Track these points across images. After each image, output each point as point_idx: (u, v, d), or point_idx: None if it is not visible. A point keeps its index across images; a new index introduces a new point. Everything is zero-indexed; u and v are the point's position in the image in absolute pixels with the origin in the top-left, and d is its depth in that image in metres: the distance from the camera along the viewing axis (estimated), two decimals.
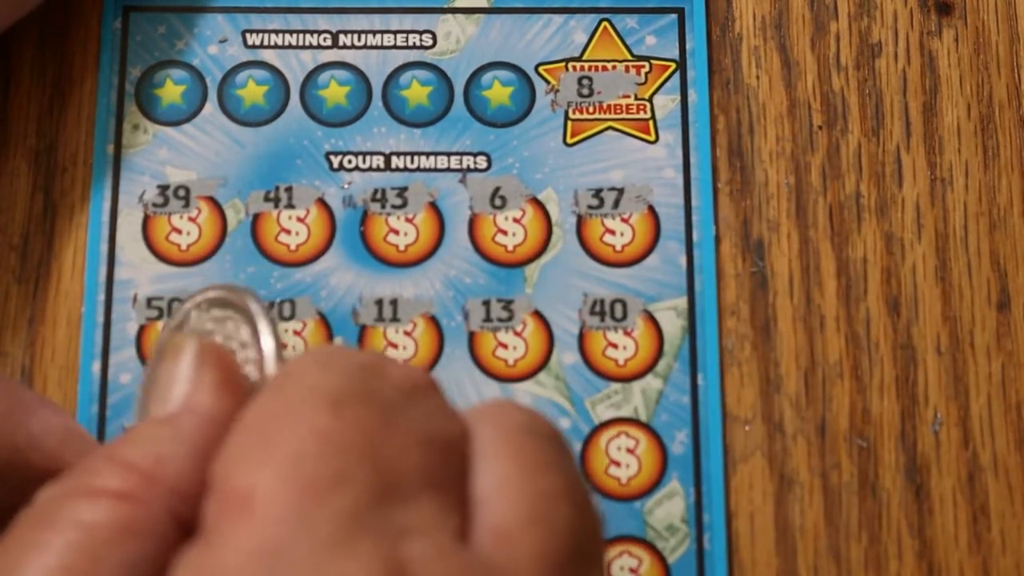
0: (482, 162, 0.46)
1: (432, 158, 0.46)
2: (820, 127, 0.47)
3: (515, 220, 0.46)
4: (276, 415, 0.30)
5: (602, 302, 0.45)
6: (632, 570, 0.43)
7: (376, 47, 0.48)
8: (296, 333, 0.45)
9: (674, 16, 0.48)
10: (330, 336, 0.44)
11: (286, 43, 0.47)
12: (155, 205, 0.46)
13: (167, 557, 0.30)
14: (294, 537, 0.29)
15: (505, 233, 0.46)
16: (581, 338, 0.45)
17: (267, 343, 0.34)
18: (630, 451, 0.44)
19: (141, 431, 0.33)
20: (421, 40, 0.48)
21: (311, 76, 0.47)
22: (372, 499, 0.29)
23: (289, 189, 0.46)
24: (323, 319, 0.45)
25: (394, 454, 0.30)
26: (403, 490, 0.30)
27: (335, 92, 0.47)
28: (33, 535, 0.31)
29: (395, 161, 0.46)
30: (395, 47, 0.48)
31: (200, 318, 0.36)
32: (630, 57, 0.47)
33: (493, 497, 0.31)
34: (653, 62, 0.47)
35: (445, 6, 0.48)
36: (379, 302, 0.45)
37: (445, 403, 0.32)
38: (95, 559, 0.30)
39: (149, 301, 0.45)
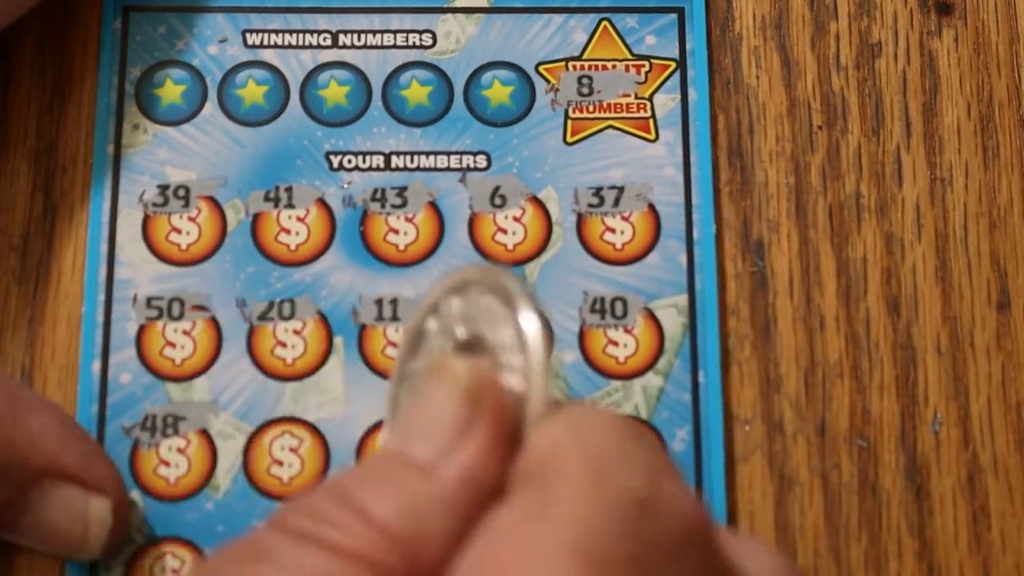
0: (482, 161, 0.46)
1: (432, 157, 0.46)
2: (820, 127, 0.47)
3: (515, 219, 0.46)
4: (523, 558, 0.26)
5: (602, 300, 0.45)
6: None
7: (376, 47, 0.48)
8: (296, 332, 0.45)
9: (674, 16, 0.48)
10: (329, 336, 0.44)
11: (286, 43, 0.48)
12: (155, 205, 0.46)
13: None
14: None
15: (505, 232, 0.46)
16: (581, 336, 0.45)
17: (538, 376, 0.29)
18: None
19: (391, 477, 0.28)
20: (421, 40, 0.48)
21: (311, 76, 0.47)
22: None
23: (289, 189, 0.46)
24: (323, 319, 0.45)
25: None
26: None
27: (335, 92, 0.47)
28: (258, 571, 0.27)
29: (395, 161, 0.46)
30: (395, 47, 0.48)
31: (476, 300, 0.31)
32: (630, 56, 0.47)
33: None
34: (653, 61, 0.47)
35: (445, 6, 0.48)
36: (379, 302, 0.45)
37: (716, 555, 0.28)
38: None
39: (149, 301, 0.45)
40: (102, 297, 0.45)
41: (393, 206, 0.46)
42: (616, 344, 0.45)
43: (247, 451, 0.44)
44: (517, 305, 0.31)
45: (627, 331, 0.45)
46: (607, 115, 0.47)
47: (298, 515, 0.28)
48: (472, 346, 0.31)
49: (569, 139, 0.46)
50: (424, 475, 0.28)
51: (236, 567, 0.27)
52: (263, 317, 0.45)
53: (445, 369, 0.30)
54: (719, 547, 0.28)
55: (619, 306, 0.45)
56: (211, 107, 0.47)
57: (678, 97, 0.47)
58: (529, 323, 0.30)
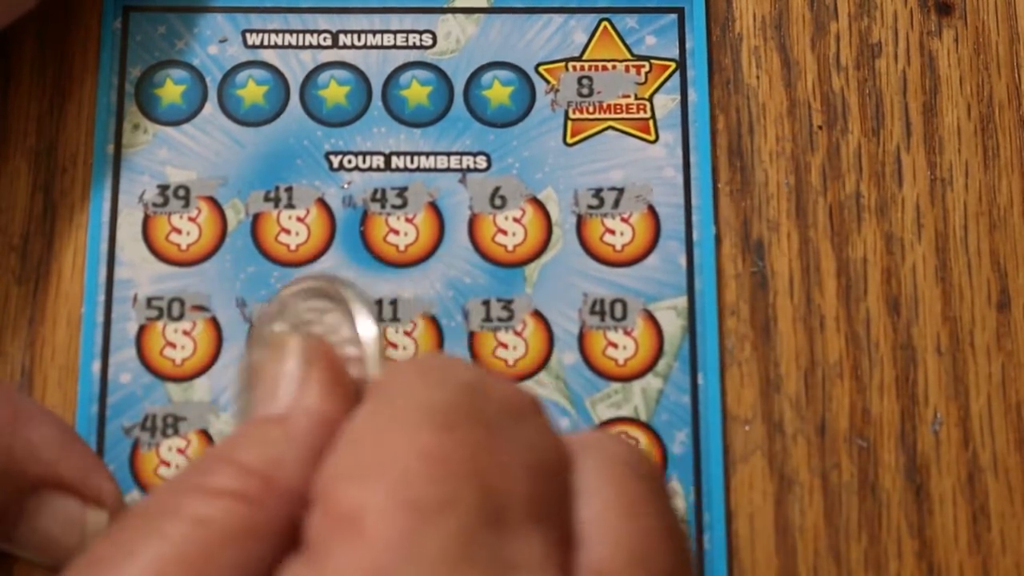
0: (482, 162, 0.46)
1: (432, 158, 0.46)
2: (820, 127, 0.47)
3: (515, 220, 0.46)
4: (383, 430, 0.30)
5: (602, 302, 0.45)
6: None
7: (376, 47, 0.48)
8: None
9: (674, 16, 0.48)
10: None
11: (286, 43, 0.48)
12: (155, 205, 0.46)
13: (275, 563, 0.30)
14: (403, 563, 0.28)
15: (505, 233, 0.46)
16: (581, 338, 0.45)
17: (369, 340, 0.33)
18: None
19: (253, 432, 0.32)
20: (421, 40, 0.48)
21: (311, 76, 0.47)
22: (480, 527, 0.29)
23: (289, 189, 0.46)
24: None
25: (501, 479, 0.30)
26: (510, 519, 0.29)
27: (335, 92, 0.47)
28: (149, 523, 0.31)
29: (395, 161, 0.46)
30: (395, 47, 0.48)
31: (298, 308, 0.35)
32: (630, 57, 0.47)
33: (595, 535, 0.31)
34: (653, 62, 0.47)
35: (445, 6, 0.48)
36: (379, 302, 0.45)
37: (549, 427, 0.32)
38: (209, 555, 0.30)
39: (149, 301, 0.45)
40: (102, 297, 0.45)
41: (393, 206, 0.46)
42: (616, 346, 0.45)
43: None
44: (337, 292, 0.34)
45: (627, 333, 0.45)
46: (607, 116, 0.47)
47: (179, 473, 0.32)
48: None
49: (569, 140, 0.46)
50: (276, 424, 0.32)
51: (119, 528, 0.31)
52: None
53: (280, 344, 0.34)
54: (548, 421, 0.32)
55: (619, 308, 0.45)
56: (211, 107, 0.47)
57: (678, 97, 0.47)
58: (352, 296, 0.34)
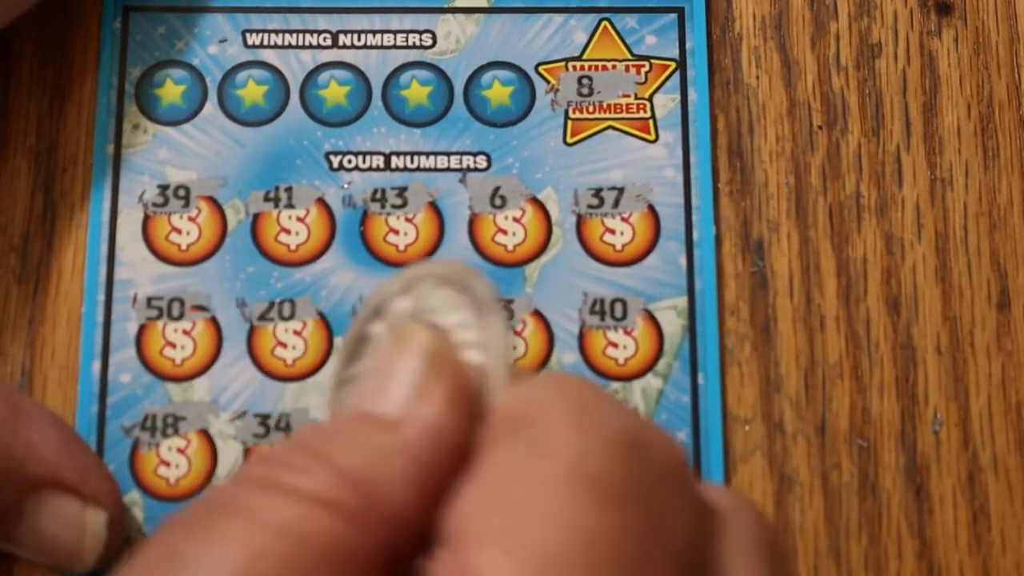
0: (482, 162, 0.46)
1: (432, 158, 0.46)
2: (820, 127, 0.47)
3: (515, 220, 0.46)
4: (533, 487, 0.27)
5: (602, 301, 0.45)
6: None
7: (376, 47, 0.48)
8: (296, 333, 0.45)
9: (674, 16, 0.48)
10: (329, 336, 0.44)
11: (286, 43, 0.48)
12: (155, 205, 0.46)
13: None
14: None
15: (505, 233, 0.46)
16: (581, 337, 0.45)
17: (498, 350, 0.30)
18: None
19: (356, 429, 0.29)
20: (421, 40, 0.48)
21: (311, 76, 0.47)
22: None
23: (289, 189, 0.46)
24: (323, 319, 0.45)
25: (649, 567, 0.27)
26: None
27: (335, 92, 0.47)
28: (224, 523, 0.27)
29: (395, 161, 0.46)
30: (395, 47, 0.48)
31: (425, 291, 0.32)
32: (630, 57, 0.47)
33: None
34: (653, 61, 0.47)
35: (445, 6, 0.48)
36: None
37: (696, 490, 0.29)
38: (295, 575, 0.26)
39: (149, 301, 0.45)
40: (102, 297, 0.45)
41: (393, 206, 0.46)
42: (616, 346, 0.45)
43: (247, 451, 0.44)
44: (470, 286, 0.31)
45: (627, 333, 0.45)
46: (607, 115, 0.47)
47: (261, 465, 0.28)
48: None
49: (569, 140, 0.46)
50: (385, 428, 0.29)
51: (200, 519, 0.27)
52: (263, 317, 0.45)
53: (407, 334, 0.30)
54: (696, 484, 0.30)
55: (619, 307, 0.45)
56: (211, 107, 0.47)
57: (678, 97, 0.47)
58: (485, 295, 0.31)
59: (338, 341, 0.45)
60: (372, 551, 0.27)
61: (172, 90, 0.47)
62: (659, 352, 0.45)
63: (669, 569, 0.27)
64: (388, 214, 0.46)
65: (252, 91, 0.47)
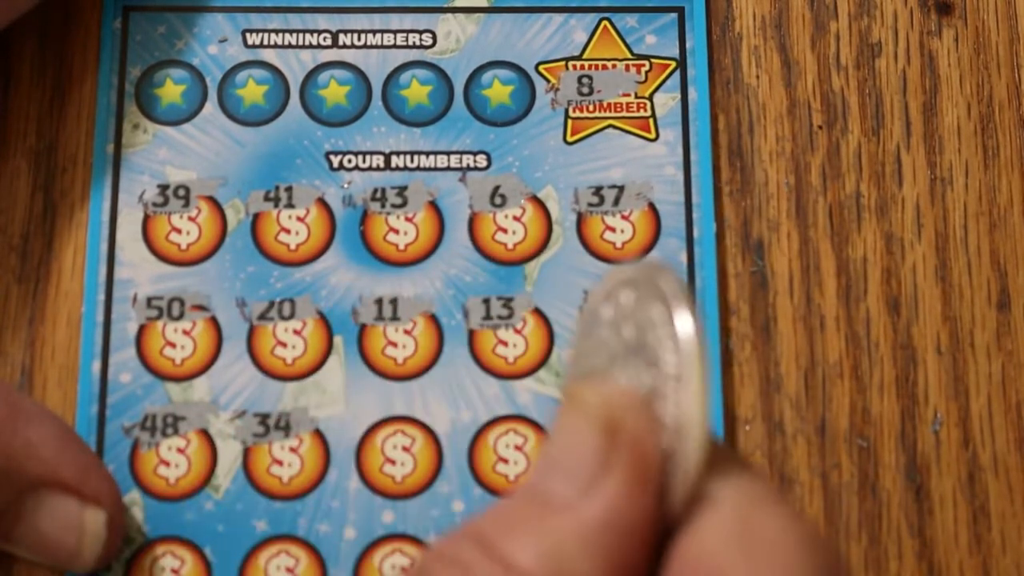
0: (482, 161, 0.46)
1: (432, 157, 0.46)
2: (820, 127, 0.47)
3: (515, 218, 0.46)
4: None
5: None
6: None
7: (376, 46, 0.48)
8: (296, 332, 0.45)
9: (674, 15, 0.48)
10: (329, 336, 0.44)
11: (286, 43, 0.48)
12: (155, 205, 0.46)
13: None
14: None
15: (505, 231, 0.46)
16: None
17: (693, 417, 0.27)
18: None
19: (536, 517, 0.27)
20: (421, 39, 0.48)
21: (311, 76, 0.47)
22: None
23: (289, 189, 0.46)
24: (323, 318, 0.45)
25: None
26: None
27: (335, 92, 0.47)
28: None
29: (395, 160, 0.46)
30: (395, 46, 0.48)
31: (641, 301, 0.29)
32: (630, 56, 0.47)
33: None
34: (653, 61, 0.47)
35: (445, 5, 0.48)
36: (379, 301, 0.45)
37: None
38: None
39: (149, 301, 0.45)
40: (102, 297, 0.45)
41: (393, 206, 0.46)
42: None
43: (247, 451, 0.44)
44: (675, 326, 0.28)
45: None
46: (607, 115, 0.47)
47: (444, 565, 0.27)
48: (637, 351, 0.30)
49: (569, 138, 0.46)
50: (561, 514, 0.27)
51: None
52: (263, 317, 0.45)
53: (574, 398, 0.29)
54: None
55: None
56: (211, 107, 0.47)
57: (678, 97, 0.47)
58: (688, 345, 0.28)
59: (338, 341, 0.44)
60: None
61: (172, 90, 0.47)
62: None
63: None
64: (388, 213, 0.46)
65: (252, 91, 0.47)
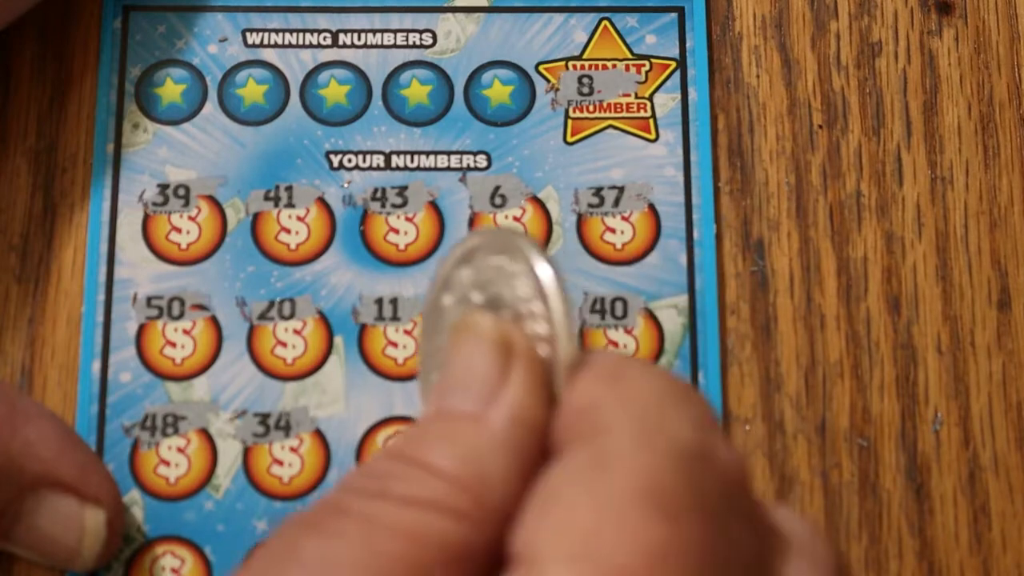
0: (482, 161, 0.46)
1: (432, 157, 0.46)
2: (820, 126, 0.47)
3: (515, 219, 0.46)
4: (601, 509, 0.27)
5: (602, 300, 0.45)
6: None
7: (376, 46, 0.48)
8: (296, 332, 0.45)
9: (674, 15, 0.48)
10: (329, 336, 0.44)
11: (286, 42, 0.47)
12: (155, 204, 0.46)
13: None
14: None
15: None
16: (581, 336, 0.45)
17: (560, 323, 0.30)
18: None
19: (448, 430, 0.29)
20: (421, 39, 0.48)
21: (311, 75, 0.47)
22: None
23: (289, 188, 0.46)
24: (323, 318, 0.45)
25: None
26: None
27: (335, 91, 0.47)
28: (343, 525, 0.28)
29: (395, 160, 0.46)
30: (395, 46, 0.48)
31: (486, 263, 0.32)
32: (630, 56, 0.47)
33: None
34: (653, 61, 0.47)
35: (445, 5, 0.48)
36: (379, 301, 0.45)
37: (760, 508, 0.29)
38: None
39: (149, 300, 0.45)
40: (102, 297, 0.45)
41: (393, 206, 0.46)
42: (616, 344, 0.45)
43: (247, 451, 0.44)
44: (528, 256, 0.31)
45: (627, 331, 0.45)
46: (607, 115, 0.47)
47: (364, 478, 0.29)
48: (491, 307, 0.32)
49: (569, 139, 0.46)
50: (472, 424, 0.29)
51: (319, 520, 0.28)
52: (263, 316, 0.45)
53: (470, 325, 0.31)
54: (758, 500, 0.30)
55: (619, 306, 0.45)
56: (211, 106, 0.47)
57: (678, 97, 0.47)
58: (543, 269, 0.31)
59: (338, 341, 0.45)
60: (483, 547, 0.28)
61: (172, 89, 0.47)
62: (660, 351, 0.45)
63: None
64: (388, 213, 0.46)
65: (252, 90, 0.47)
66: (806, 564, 0.29)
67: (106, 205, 0.46)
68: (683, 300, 0.45)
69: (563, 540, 0.27)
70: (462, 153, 0.46)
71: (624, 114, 0.47)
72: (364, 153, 0.46)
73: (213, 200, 0.46)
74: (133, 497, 0.43)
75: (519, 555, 0.27)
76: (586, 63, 0.47)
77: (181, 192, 0.46)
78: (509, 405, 0.29)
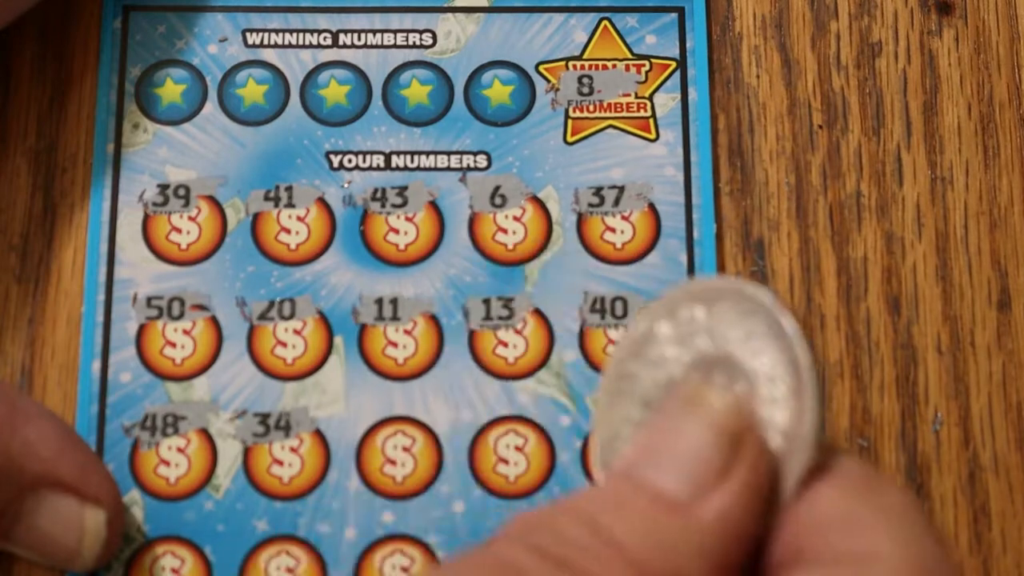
0: (482, 161, 0.46)
1: (432, 157, 0.46)
2: (820, 126, 0.47)
3: (515, 219, 0.46)
4: None
5: (603, 300, 0.45)
6: None
7: (376, 46, 0.48)
8: (296, 332, 0.45)
9: (674, 15, 0.48)
10: (329, 336, 0.44)
11: (286, 42, 0.47)
12: (155, 204, 0.46)
13: None
14: None
15: (505, 232, 0.46)
16: (582, 336, 0.45)
17: (809, 416, 0.27)
18: None
19: (646, 509, 0.27)
20: (421, 39, 0.48)
21: (311, 75, 0.47)
22: None
23: (289, 188, 0.46)
24: (323, 318, 0.45)
25: None
26: None
27: (335, 91, 0.47)
28: None
29: (395, 160, 0.46)
30: (395, 46, 0.48)
31: (723, 325, 0.29)
32: (630, 56, 0.47)
33: None
34: (653, 61, 0.47)
35: (445, 5, 0.48)
36: (379, 301, 0.45)
37: None
38: None
39: (149, 300, 0.45)
40: (102, 297, 0.45)
41: (393, 206, 0.46)
42: (616, 344, 0.45)
43: (247, 451, 0.44)
44: (787, 333, 0.28)
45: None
46: (607, 115, 0.47)
47: (547, 538, 0.26)
48: (716, 364, 0.29)
49: (569, 139, 0.46)
50: (676, 512, 0.27)
51: None
52: (263, 317, 0.45)
53: (700, 400, 0.28)
54: None
55: (619, 306, 0.45)
56: (211, 106, 0.47)
57: (678, 96, 0.47)
58: (804, 357, 0.28)
59: (338, 341, 0.44)
60: None
61: (172, 89, 0.47)
62: None
63: None
64: (388, 213, 0.46)
65: (252, 90, 0.47)
66: None
67: (106, 205, 0.46)
68: None
69: None
70: (462, 153, 0.46)
71: (624, 114, 0.47)
72: (364, 153, 0.46)
73: (213, 200, 0.46)
74: (133, 497, 0.43)
75: None
76: (586, 63, 0.47)
77: (181, 192, 0.46)
78: (722, 507, 0.27)
